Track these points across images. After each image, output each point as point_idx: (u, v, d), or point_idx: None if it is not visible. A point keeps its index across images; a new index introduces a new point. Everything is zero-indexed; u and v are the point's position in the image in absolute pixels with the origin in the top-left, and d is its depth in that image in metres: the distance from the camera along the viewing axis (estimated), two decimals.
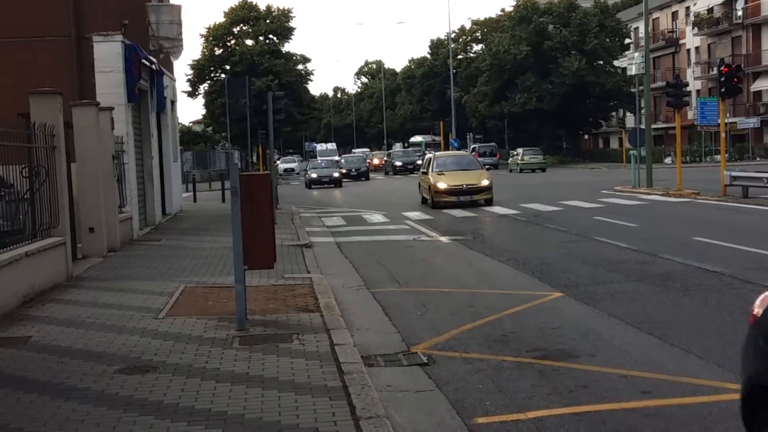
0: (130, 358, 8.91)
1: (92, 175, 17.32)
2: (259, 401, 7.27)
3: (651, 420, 6.99)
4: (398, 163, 71.54)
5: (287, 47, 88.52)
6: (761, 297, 5.59)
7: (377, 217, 27.60)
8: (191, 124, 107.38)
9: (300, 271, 15.23)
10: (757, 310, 5.52)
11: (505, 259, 16.41)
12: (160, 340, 9.71)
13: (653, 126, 49.99)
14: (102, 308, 11.79)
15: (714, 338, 9.54)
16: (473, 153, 59.20)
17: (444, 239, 20.67)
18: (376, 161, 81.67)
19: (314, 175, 55.43)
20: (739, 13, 72.40)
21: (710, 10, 75.47)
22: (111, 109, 19.27)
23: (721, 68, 30.80)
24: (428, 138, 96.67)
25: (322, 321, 10.51)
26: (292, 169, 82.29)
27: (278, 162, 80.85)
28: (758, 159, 62.97)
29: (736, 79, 30.63)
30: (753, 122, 67.92)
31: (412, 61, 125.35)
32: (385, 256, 18.00)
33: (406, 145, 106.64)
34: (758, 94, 70.82)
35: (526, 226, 22.89)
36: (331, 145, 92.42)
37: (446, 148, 79.03)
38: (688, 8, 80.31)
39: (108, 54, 20.53)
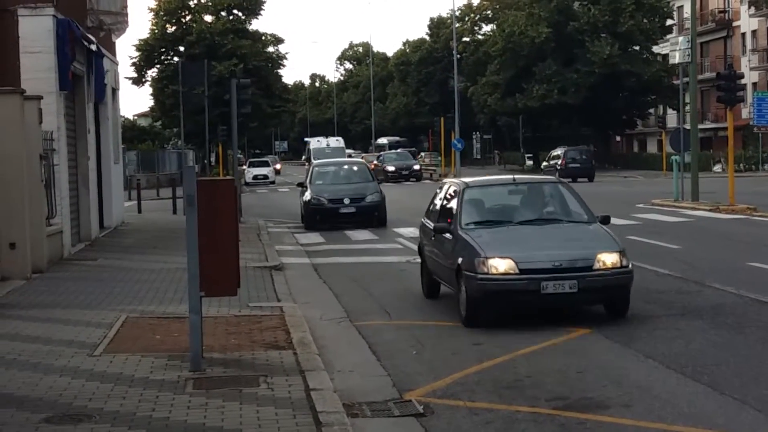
0: (59, 404, 8.84)
1: (14, 178, 17.26)
2: None
3: None
4: (390, 168, 69.53)
5: (255, 25, 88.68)
6: None
7: (363, 234, 27.51)
8: (136, 118, 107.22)
9: (268, 299, 15.18)
10: None
11: None
12: (96, 382, 9.64)
13: (700, 126, 50.08)
14: (25, 342, 11.72)
15: None
16: (560, 160, 60.87)
17: None
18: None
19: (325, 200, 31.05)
20: None
21: None
22: (39, 98, 19.18)
23: None
24: (393, 140, 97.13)
25: (296, 360, 10.47)
26: (265, 176, 78.28)
27: (245, 166, 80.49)
28: None
29: None
30: None
31: (407, 43, 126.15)
32: (373, 281, 17.98)
33: (370, 148, 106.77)
34: None
35: None
36: (336, 141, 73.54)
37: (447, 151, 79.24)
38: None
39: (36, 31, 20.45)
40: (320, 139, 76.80)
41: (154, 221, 33.26)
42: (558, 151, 64.20)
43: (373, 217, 29.75)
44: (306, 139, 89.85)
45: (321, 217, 29.63)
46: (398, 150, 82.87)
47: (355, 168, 34.50)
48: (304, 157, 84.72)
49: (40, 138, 19.11)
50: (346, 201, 29.68)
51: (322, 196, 29.81)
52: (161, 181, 59.17)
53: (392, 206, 40.14)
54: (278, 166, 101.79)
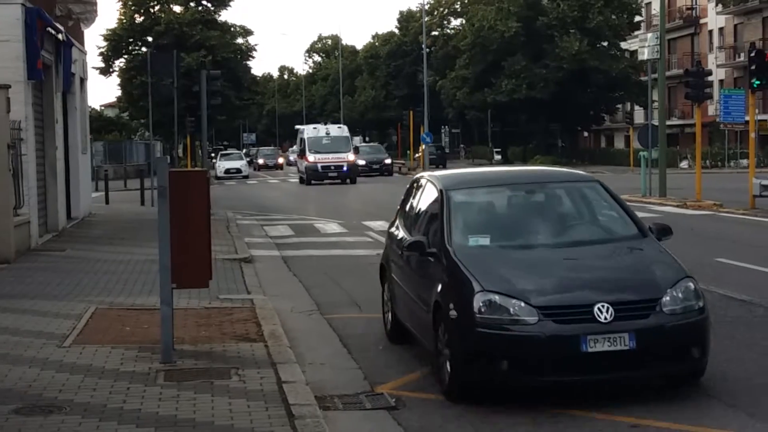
0: (28, 395, 8.78)
1: None
2: None
3: None
4: (361, 162, 65.49)
5: (225, 16, 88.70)
6: None
7: (332, 227, 27.54)
8: (103, 108, 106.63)
9: (239, 291, 15.14)
10: None
11: None
12: (66, 373, 9.58)
13: (667, 123, 50.41)
14: None
15: (743, 381, 9.60)
16: None
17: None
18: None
19: None
20: None
21: None
22: (7, 87, 19.02)
23: (752, 54, 31.10)
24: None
25: (267, 353, 10.45)
26: (238, 170, 74.12)
27: (216, 159, 79.79)
28: None
29: None
30: None
31: (376, 37, 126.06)
32: (343, 274, 17.98)
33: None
34: None
35: None
36: (338, 129, 63.71)
37: (417, 144, 79.20)
38: None
39: (5, 19, 20.26)
40: (317, 126, 66.31)
41: (122, 212, 33.09)
42: None
43: None
44: (298, 126, 74.36)
45: None
46: (371, 143, 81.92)
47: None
48: (295, 149, 77.41)
49: (7, 127, 18.94)
50: None
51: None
52: (129, 172, 58.96)
53: (362, 199, 40.23)
54: (281, 160, 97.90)
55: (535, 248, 9.75)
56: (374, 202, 36.42)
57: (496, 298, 8.60)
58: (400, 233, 11.64)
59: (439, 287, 9.28)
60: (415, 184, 12.24)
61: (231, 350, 10.62)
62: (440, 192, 10.41)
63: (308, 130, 62.25)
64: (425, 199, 11.27)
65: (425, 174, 12.37)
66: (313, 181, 55.98)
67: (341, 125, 67.35)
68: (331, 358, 11.08)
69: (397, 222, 12.18)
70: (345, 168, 56.64)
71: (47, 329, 11.81)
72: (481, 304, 8.59)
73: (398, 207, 12.55)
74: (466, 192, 10.83)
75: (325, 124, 71.65)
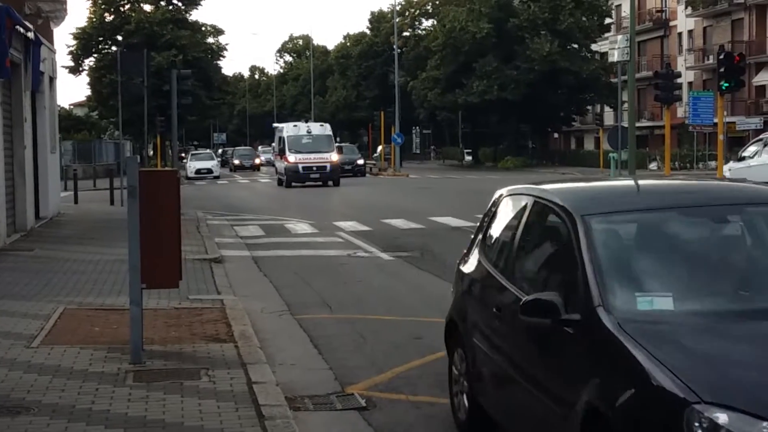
0: None
1: None
2: None
3: None
4: None
5: (195, 15, 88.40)
6: None
7: (303, 227, 27.52)
8: (72, 107, 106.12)
9: (209, 291, 15.08)
10: None
11: None
12: (34, 374, 9.51)
13: (637, 125, 50.67)
14: None
15: None
16: None
17: (385, 256, 20.64)
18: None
19: None
20: None
21: None
22: None
23: (721, 56, 31.28)
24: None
25: (237, 353, 10.41)
26: (209, 170, 72.38)
27: (187, 158, 79.33)
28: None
29: (737, 70, 31.00)
30: (755, 123, 68.98)
31: (347, 37, 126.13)
32: (314, 274, 17.92)
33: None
34: (761, 90, 72.19)
35: None
36: (320, 127, 58.82)
37: (388, 144, 79.19)
38: None
39: None
40: (297, 124, 61.74)
41: (92, 212, 32.91)
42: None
43: None
44: (276, 125, 68.67)
45: None
46: (343, 144, 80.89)
47: None
48: (273, 147, 71.39)
49: None
50: None
51: None
52: (98, 172, 58.55)
53: (334, 199, 40.24)
54: (257, 161, 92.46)
55: (755, 316, 5.79)
56: (346, 203, 36.43)
57: (726, 418, 4.64)
58: (495, 280, 7.59)
59: (596, 383, 5.44)
60: (506, 202, 8.44)
61: (201, 351, 10.58)
62: (571, 219, 6.59)
63: (288, 128, 57.30)
64: (535, 227, 7.58)
65: (525, 188, 8.12)
66: (293, 183, 51.94)
67: (323, 123, 62.63)
68: (302, 358, 11.05)
69: (477, 257, 8.45)
70: (328, 169, 52.55)
71: (15, 329, 11.72)
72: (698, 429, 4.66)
73: (474, 235, 8.98)
74: (616, 220, 6.82)
75: (306, 121, 68.31)
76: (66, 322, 12.25)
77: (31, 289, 15.18)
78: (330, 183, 52.22)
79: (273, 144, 73.49)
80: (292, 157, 52.61)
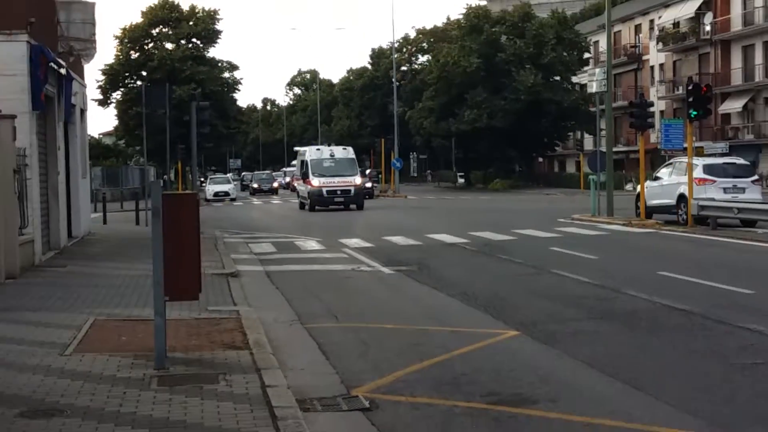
0: (33, 399, 8.68)
1: None
2: None
3: None
4: None
5: (212, 53, 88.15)
6: None
7: (311, 244, 27.48)
8: (101, 137, 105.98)
9: (226, 303, 15.05)
10: None
11: (455, 293, 16.41)
12: (67, 379, 9.48)
13: (614, 149, 50.72)
14: (1, 342, 11.50)
15: (685, 384, 9.64)
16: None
17: (386, 270, 20.60)
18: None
19: None
20: (708, 28, 74.09)
21: (676, 25, 77.13)
22: (13, 117, 18.92)
23: (689, 87, 31.32)
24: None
25: (252, 360, 10.37)
26: (226, 193, 69.74)
27: (205, 182, 79.14)
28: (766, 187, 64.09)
29: (704, 100, 31.05)
30: (721, 147, 69.09)
31: (350, 71, 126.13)
32: (321, 287, 17.87)
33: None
34: (726, 117, 72.39)
35: (476, 257, 22.94)
36: (343, 150, 53.12)
37: (387, 169, 79.13)
38: (652, 22, 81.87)
39: (11, 55, 20.18)
40: (320, 147, 55.71)
41: (119, 231, 32.88)
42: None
43: None
44: (297, 148, 64.26)
45: None
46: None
47: None
48: (296, 171, 65.32)
49: (13, 154, 18.84)
50: None
51: None
52: (125, 195, 58.56)
53: (338, 219, 40.17)
54: (276, 184, 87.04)
55: None
56: (350, 222, 36.40)
57: None
58: None
59: None
60: None
61: (219, 357, 10.54)
62: None
63: (311, 152, 52.04)
64: None
65: None
66: (317, 207, 47.27)
67: (346, 147, 55.84)
68: (311, 364, 11.00)
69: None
70: (352, 192, 47.72)
71: (50, 339, 11.70)
72: None
73: None
74: None
75: (329, 145, 62.22)
76: (96, 332, 12.23)
77: (64, 302, 15.15)
78: (353, 207, 47.60)
79: (284, 169, 72.31)
80: (315, 181, 48.05)
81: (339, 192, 47.21)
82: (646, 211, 32.79)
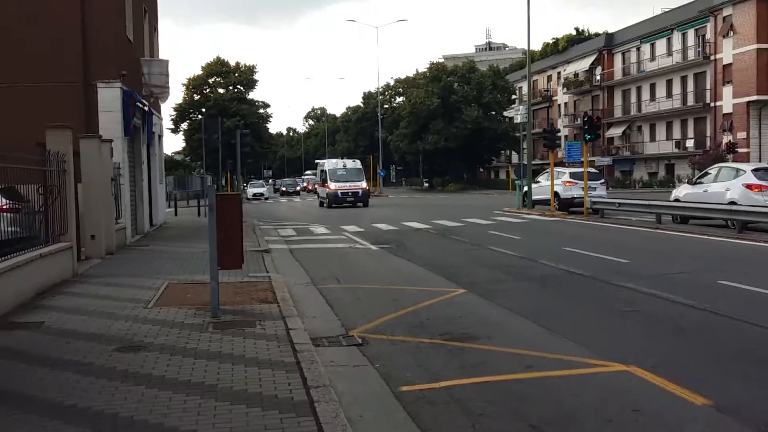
0: (124, 339, 8.68)
1: (94, 193, 16.91)
2: (230, 374, 7.14)
3: (535, 388, 7.05)
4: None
5: (251, 95, 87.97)
6: None
7: (321, 230, 27.44)
8: (173, 154, 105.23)
9: (260, 271, 15.03)
10: None
11: (421, 263, 16.43)
12: (148, 325, 9.47)
13: (533, 162, 50.83)
14: (101, 299, 11.46)
15: (583, 326, 9.68)
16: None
17: (373, 247, 20.59)
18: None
19: None
20: (597, 77, 74.42)
21: (576, 75, 77.38)
22: (110, 141, 18.86)
23: (585, 119, 31.43)
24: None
25: (279, 310, 10.37)
26: (261, 194, 66.85)
27: (246, 186, 78.72)
28: (610, 188, 64.23)
29: (595, 127, 31.15)
30: (607, 161, 69.69)
31: (348, 108, 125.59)
32: (328, 260, 17.86)
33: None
34: (611, 140, 72.73)
35: (436, 238, 22.98)
36: (353, 162, 50.62)
37: (374, 177, 79.06)
38: (559, 73, 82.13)
39: (110, 97, 20.13)
40: (336, 160, 52.59)
41: (185, 221, 32.74)
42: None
43: None
44: (318, 161, 61.64)
45: None
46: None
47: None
48: (316, 179, 62.90)
49: (111, 167, 18.77)
50: None
51: None
52: (189, 195, 58.06)
53: (339, 213, 40.08)
54: (298, 188, 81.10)
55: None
56: (347, 214, 36.32)
57: None
58: None
59: None
60: None
61: (256, 309, 10.53)
62: None
63: (328, 163, 49.99)
64: None
65: None
66: (333, 205, 44.99)
67: (355, 159, 54.00)
68: (320, 313, 10.99)
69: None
70: (360, 194, 45.79)
71: (137, 296, 11.67)
72: None
73: None
74: None
75: (342, 158, 59.36)
76: (169, 292, 12.19)
77: (147, 270, 15.10)
78: (360, 204, 45.19)
79: (302, 177, 71.72)
80: (332, 185, 46.09)
81: (350, 193, 45.61)
82: (533, 204, 34.82)
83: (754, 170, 22.74)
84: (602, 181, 34.39)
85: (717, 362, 7.75)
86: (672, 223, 24.64)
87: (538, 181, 35.92)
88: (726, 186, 22.91)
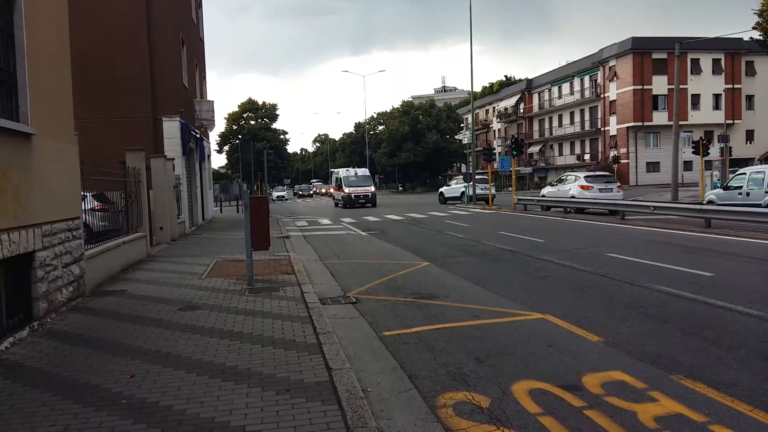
0: (185, 301, 8.61)
1: (162, 196, 16.76)
2: (261, 325, 7.12)
3: (480, 331, 7.09)
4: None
5: (274, 125, 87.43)
6: None
7: (326, 221, 27.30)
8: (218, 168, 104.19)
9: (283, 251, 14.96)
10: None
11: (398, 244, 16.39)
12: (202, 291, 9.40)
13: (477, 171, 51.07)
14: (168, 273, 11.35)
15: (512, 287, 9.71)
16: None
17: (364, 233, 20.48)
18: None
19: None
20: (521, 110, 74.58)
21: (506, 109, 77.53)
22: (173, 159, 18.66)
23: (513, 140, 31.48)
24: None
25: (296, 279, 10.32)
26: (283, 196, 63.83)
27: (272, 191, 78.40)
28: (531, 189, 64.75)
29: (520, 146, 31.24)
30: (528, 170, 69.87)
31: (344, 134, 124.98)
32: (331, 242, 17.76)
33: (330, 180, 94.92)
34: (531, 155, 72.93)
35: (409, 226, 22.92)
36: (363, 171, 44.68)
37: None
38: (494, 107, 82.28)
39: (172, 128, 19.90)
40: (348, 169, 47.13)
41: (228, 217, 32.48)
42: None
43: None
44: (332, 170, 56.66)
45: None
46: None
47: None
48: (331, 184, 57.15)
49: (173, 178, 18.56)
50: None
51: None
52: (231, 198, 57.64)
53: (338, 209, 39.77)
54: (313, 191, 76.74)
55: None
56: (345, 210, 36.07)
57: None
58: None
59: None
60: None
61: (279, 279, 10.47)
62: None
63: (342, 172, 44.58)
64: None
65: None
66: (347, 206, 39.84)
67: (365, 168, 48.56)
68: (326, 281, 10.91)
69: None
70: (369, 196, 41.60)
71: (194, 271, 11.57)
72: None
73: None
74: None
75: (354, 167, 53.63)
76: (217, 267, 12.10)
77: (201, 251, 14.97)
78: (369, 205, 41.29)
79: (311, 183, 71.80)
80: (346, 190, 41.68)
81: (361, 196, 41.40)
82: (446, 201, 36.04)
83: (585, 176, 25.74)
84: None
85: (607, 312, 7.83)
86: (564, 213, 24.25)
87: (449, 185, 36.87)
88: (569, 186, 26.05)
